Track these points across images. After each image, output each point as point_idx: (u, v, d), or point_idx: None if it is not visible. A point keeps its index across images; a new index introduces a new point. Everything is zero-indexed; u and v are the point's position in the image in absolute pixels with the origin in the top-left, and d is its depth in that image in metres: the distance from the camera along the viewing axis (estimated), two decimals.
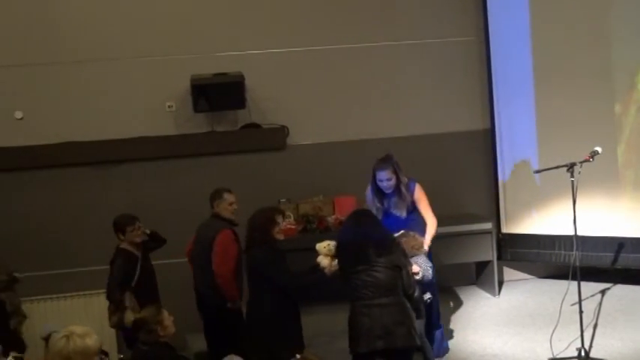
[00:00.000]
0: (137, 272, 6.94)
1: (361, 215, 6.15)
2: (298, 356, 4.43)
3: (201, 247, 7.03)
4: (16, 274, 7.48)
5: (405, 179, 7.03)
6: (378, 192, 7.10)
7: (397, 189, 7.01)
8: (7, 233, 8.53)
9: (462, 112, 9.33)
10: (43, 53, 8.61)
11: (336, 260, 6.01)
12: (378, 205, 7.07)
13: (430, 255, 6.96)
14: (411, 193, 7.05)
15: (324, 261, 6.15)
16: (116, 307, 6.79)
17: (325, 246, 6.18)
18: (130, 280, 6.87)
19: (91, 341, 4.15)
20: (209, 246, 6.92)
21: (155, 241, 7.32)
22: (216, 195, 7.17)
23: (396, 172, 6.97)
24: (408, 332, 5.67)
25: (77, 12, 8.68)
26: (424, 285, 6.50)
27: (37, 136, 8.58)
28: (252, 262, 6.33)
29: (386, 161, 7.03)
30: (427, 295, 6.61)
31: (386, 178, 6.96)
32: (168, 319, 5.47)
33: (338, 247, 6.00)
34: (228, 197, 7.14)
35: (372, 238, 5.80)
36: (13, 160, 8.54)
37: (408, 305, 5.77)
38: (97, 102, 8.74)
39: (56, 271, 8.58)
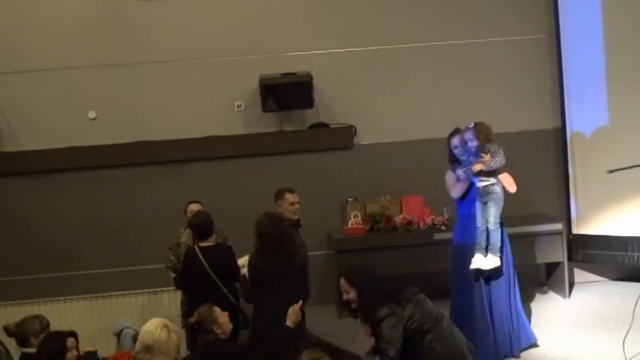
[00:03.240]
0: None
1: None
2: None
3: None
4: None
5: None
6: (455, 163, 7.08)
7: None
8: (81, 231, 8.77)
9: (532, 110, 9.22)
10: (115, 55, 8.81)
11: None
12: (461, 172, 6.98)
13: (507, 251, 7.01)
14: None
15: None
16: None
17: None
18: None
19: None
20: None
21: None
22: (278, 195, 7.20)
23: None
24: None
25: (149, 15, 8.85)
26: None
27: (109, 135, 8.78)
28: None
29: (454, 131, 7.07)
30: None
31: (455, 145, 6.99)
32: (222, 316, 5.52)
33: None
34: (289, 197, 7.14)
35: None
36: (86, 159, 8.77)
37: None
38: (168, 102, 8.90)
39: (125, 269, 8.78)
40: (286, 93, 8.58)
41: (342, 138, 9.02)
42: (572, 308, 8.47)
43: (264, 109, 8.71)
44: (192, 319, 5.49)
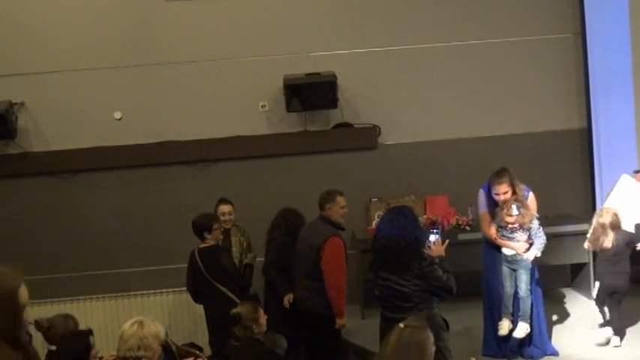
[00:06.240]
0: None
1: (397, 213, 5.61)
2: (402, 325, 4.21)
3: (308, 250, 6.80)
4: None
5: (521, 188, 6.88)
6: (493, 201, 6.98)
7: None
8: (108, 230, 8.83)
9: (558, 110, 9.16)
10: (141, 56, 8.86)
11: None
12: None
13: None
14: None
15: None
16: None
17: None
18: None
19: (159, 327, 4.54)
20: (316, 252, 6.67)
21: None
22: (328, 197, 6.86)
23: (512, 185, 6.82)
24: None
25: (174, 16, 8.89)
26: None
27: (135, 135, 8.84)
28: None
29: (502, 175, 6.84)
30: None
31: (502, 192, 6.80)
32: (263, 317, 5.56)
33: (372, 245, 5.73)
34: (340, 200, 6.86)
35: (402, 244, 5.41)
36: (112, 159, 8.83)
37: (434, 320, 5.34)
38: (193, 102, 8.93)
39: (152, 268, 8.83)
40: (310, 93, 8.58)
41: (366, 138, 9.02)
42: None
43: (289, 109, 8.73)
44: (235, 310, 5.51)
